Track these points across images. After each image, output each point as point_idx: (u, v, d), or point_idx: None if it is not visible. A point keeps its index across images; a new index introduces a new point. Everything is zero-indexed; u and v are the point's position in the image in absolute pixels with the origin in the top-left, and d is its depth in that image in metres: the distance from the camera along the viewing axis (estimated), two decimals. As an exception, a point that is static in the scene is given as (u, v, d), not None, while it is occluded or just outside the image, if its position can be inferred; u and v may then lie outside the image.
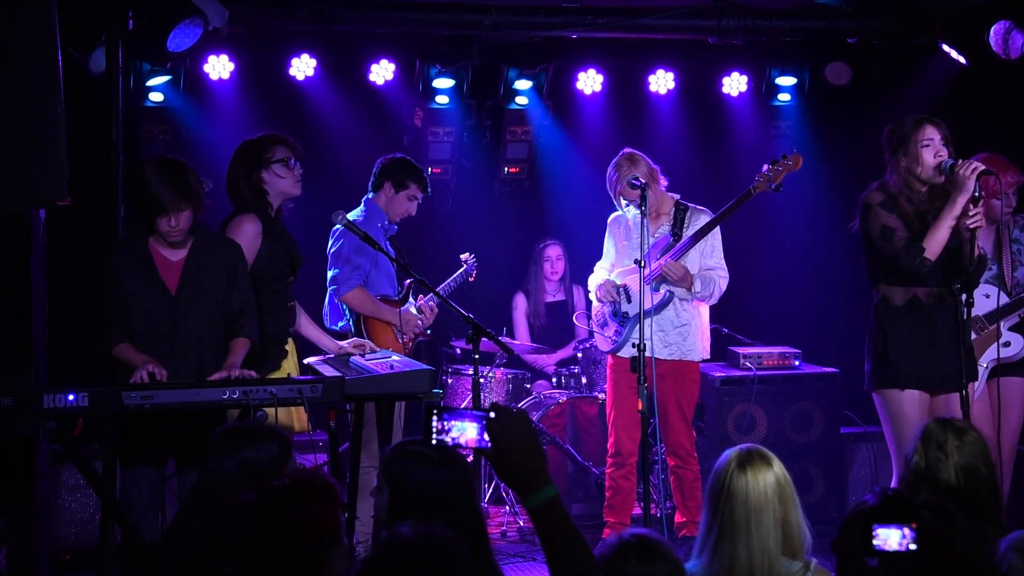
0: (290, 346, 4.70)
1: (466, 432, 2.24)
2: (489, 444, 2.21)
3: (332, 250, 5.38)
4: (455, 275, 6.24)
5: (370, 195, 5.55)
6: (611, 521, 5.56)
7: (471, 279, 6.38)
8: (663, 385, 5.36)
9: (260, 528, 2.43)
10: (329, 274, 5.37)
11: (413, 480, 2.65)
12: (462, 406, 4.72)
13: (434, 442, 2.23)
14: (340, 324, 5.46)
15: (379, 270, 5.40)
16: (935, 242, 4.49)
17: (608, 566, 2.35)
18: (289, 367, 4.65)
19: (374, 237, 5.19)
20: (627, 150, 5.49)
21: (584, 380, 6.54)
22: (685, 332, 5.43)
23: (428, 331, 5.73)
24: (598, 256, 5.78)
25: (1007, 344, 4.86)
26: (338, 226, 5.13)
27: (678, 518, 5.56)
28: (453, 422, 2.24)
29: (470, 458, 6.16)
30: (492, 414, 2.21)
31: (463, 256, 6.37)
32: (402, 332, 5.43)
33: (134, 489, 4.21)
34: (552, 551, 2.20)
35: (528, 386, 6.67)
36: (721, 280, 5.42)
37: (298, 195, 4.77)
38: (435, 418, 2.24)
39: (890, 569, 2.37)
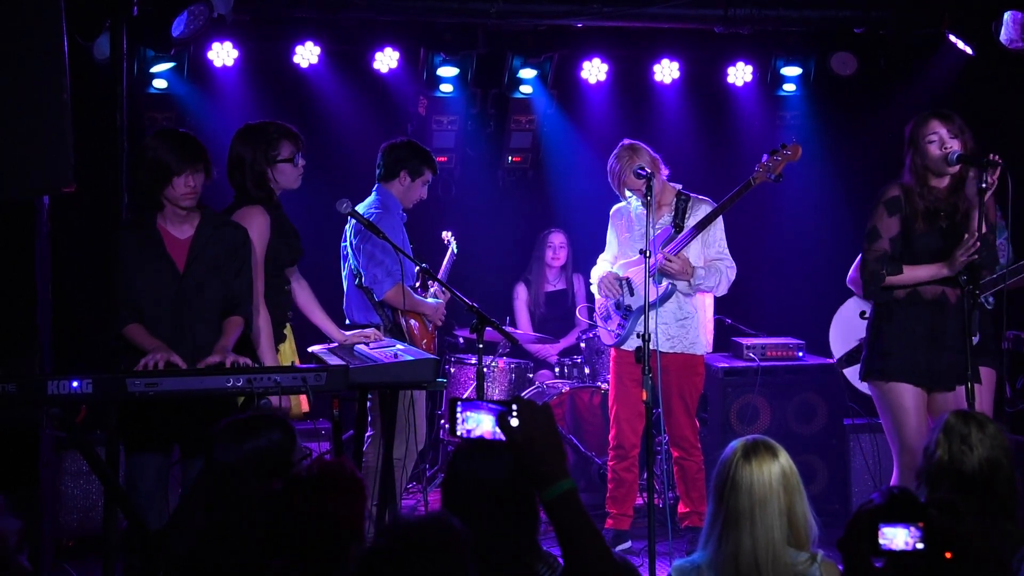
0: (287, 330, 4.71)
1: (481, 424, 2.26)
2: (502, 437, 2.21)
3: (363, 245, 5.30)
4: (445, 259, 6.25)
5: (382, 184, 5.50)
6: (613, 512, 5.57)
7: (454, 256, 6.43)
8: (666, 378, 5.35)
9: (285, 519, 2.43)
10: (363, 272, 5.31)
11: (465, 474, 2.57)
12: (478, 396, 4.71)
13: (459, 433, 2.24)
14: (357, 320, 5.41)
15: (396, 260, 5.33)
16: (902, 280, 4.59)
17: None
18: (287, 351, 4.65)
19: (398, 229, 5.21)
20: (627, 141, 5.47)
21: (587, 370, 6.54)
22: (688, 325, 5.42)
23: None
24: (601, 246, 5.77)
25: None
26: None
27: (681, 508, 5.56)
28: (468, 413, 2.24)
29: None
30: (515, 407, 2.21)
31: (444, 235, 6.37)
32: (431, 321, 5.41)
33: (138, 476, 4.21)
34: (567, 545, 2.20)
35: (531, 375, 6.67)
36: (728, 270, 5.40)
37: (297, 188, 4.75)
38: (458, 410, 2.25)
39: (897, 568, 2.37)
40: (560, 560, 2.70)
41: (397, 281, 5.23)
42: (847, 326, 5.41)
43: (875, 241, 4.63)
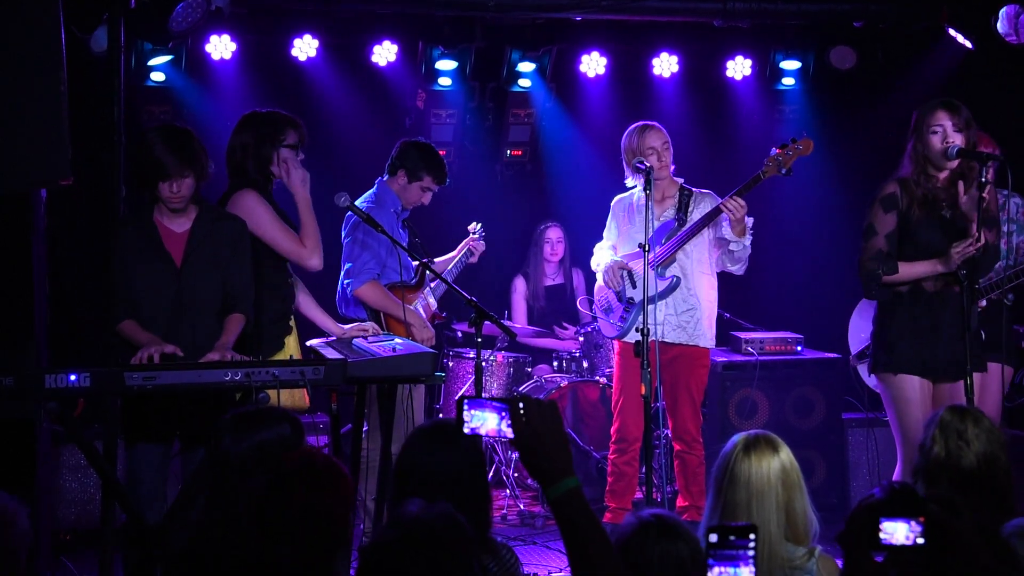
0: (292, 322, 4.70)
1: (487, 422, 2.28)
2: (508, 435, 2.24)
3: (346, 240, 5.29)
4: (461, 252, 6.03)
5: (385, 178, 5.44)
6: (612, 506, 5.56)
7: (473, 259, 6.13)
8: (673, 369, 5.35)
9: (273, 513, 2.42)
10: (344, 266, 5.29)
11: (420, 461, 2.69)
12: (487, 396, 4.68)
13: (466, 431, 2.26)
14: (352, 314, 5.37)
15: (393, 255, 5.27)
16: (899, 278, 4.58)
17: (629, 546, 2.36)
18: (293, 342, 4.65)
19: (387, 222, 5.15)
20: (644, 122, 5.46)
21: (585, 364, 6.53)
22: (692, 316, 5.41)
23: (444, 313, 5.67)
24: (599, 239, 5.76)
25: None
26: (349, 213, 5.09)
27: (680, 502, 5.55)
28: (474, 411, 2.27)
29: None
30: (521, 405, 2.23)
31: (470, 227, 6.14)
32: (417, 333, 5.21)
33: (139, 468, 4.21)
34: (571, 542, 2.22)
35: (529, 370, 6.67)
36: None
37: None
38: (465, 408, 2.28)
39: (897, 563, 2.36)
40: (512, 551, 2.74)
41: (371, 278, 5.19)
42: (866, 323, 5.41)
43: (871, 239, 4.63)
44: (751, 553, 2.16)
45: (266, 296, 4.54)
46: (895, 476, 4.80)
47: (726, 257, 5.39)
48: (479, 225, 6.17)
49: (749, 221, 5.25)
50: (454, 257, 6.00)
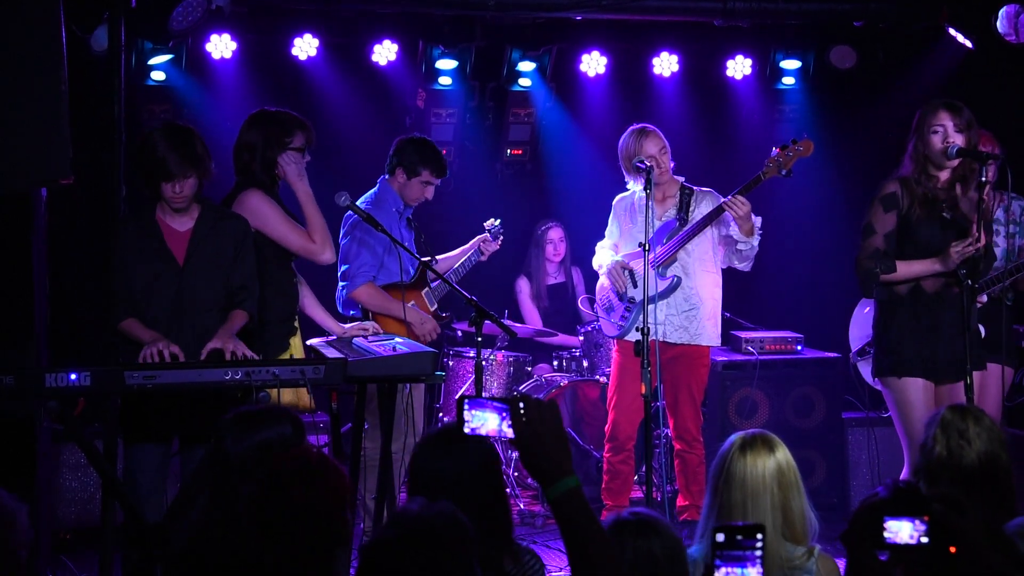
0: (296, 323, 4.71)
1: (487, 423, 2.28)
2: (508, 435, 2.25)
3: (344, 240, 5.30)
4: (471, 249, 5.93)
5: (385, 176, 5.45)
6: (609, 504, 5.57)
7: (483, 258, 6.01)
8: (674, 368, 5.35)
9: (268, 512, 2.42)
10: (341, 268, 5.29)
11: (426, 469, 2.68)
12: (487, 395, 4.68)
13: (467, 431, 2.27)
14: (352, 313, 5.39)
15: (392, 255, 5.26)
16: (896, 277, 4.57)
17: None
18: (297, 343, 4.66)
19: (388, 221, 5.13)
20: (640, 124, 5.45)
21: (586, 363, 6.53)
22: (693, 316, 5.41)
23: (445, 314, 5.66)
24: (600, 239, 5.76)
25: None
26: (348, 212, 5.08)
27: (680, 501, 5.56)
28: (474, 411, 2.28)
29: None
30: (521, 405, 2.24)
31: (487, 223, 5.98)
32: (419, 333, 5.22)
33: (138, 468, 4.21)
34: (571, 542, 2.23)
35: (529, 369, 6.66)
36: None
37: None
38: (465, 408, 2.28)
39: (901, 562, 2.36)
40: (537, 556, 2.74)
41: (367, 280, 5.19)
42: (867, 320, 5.42)
43: (869, 237, 4.63)
44: (758, 553, 2.14)
45: (271, 295, 4.55)
46: (902, 477, 4.80)
47: (733, 255, 5.39)
48: (497, 221, 6.04)
49: (757, 220, 5.25)
50: (467, 251, 5.96)
